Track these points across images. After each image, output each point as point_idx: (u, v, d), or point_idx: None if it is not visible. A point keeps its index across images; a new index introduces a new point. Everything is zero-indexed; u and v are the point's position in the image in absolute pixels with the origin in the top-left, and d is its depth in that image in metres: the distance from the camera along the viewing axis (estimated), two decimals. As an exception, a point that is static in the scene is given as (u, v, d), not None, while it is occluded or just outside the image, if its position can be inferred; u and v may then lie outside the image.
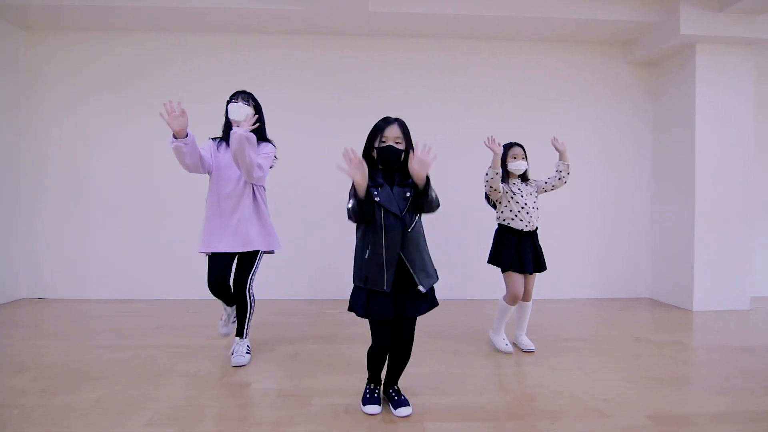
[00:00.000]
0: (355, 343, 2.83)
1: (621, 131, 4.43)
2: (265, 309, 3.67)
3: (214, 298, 2.52)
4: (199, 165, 2.33)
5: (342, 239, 3.96)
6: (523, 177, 2.73)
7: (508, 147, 2.68)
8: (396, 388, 1.97)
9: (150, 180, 4.11)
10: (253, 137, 2.23)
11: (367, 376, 1.97)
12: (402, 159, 1.83)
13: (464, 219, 4.10)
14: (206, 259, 2.46)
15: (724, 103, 3.91)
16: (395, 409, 1.88)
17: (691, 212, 3.90)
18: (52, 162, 4.13)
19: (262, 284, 3.71)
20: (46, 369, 2.35)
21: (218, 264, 2.41)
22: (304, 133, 4.16)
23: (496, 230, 2.74)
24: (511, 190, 2.63)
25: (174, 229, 4.08)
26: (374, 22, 3.96)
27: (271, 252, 2.58)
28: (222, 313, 2.69)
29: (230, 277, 2.48)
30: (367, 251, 1.78)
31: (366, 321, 1.83)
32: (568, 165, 2.68)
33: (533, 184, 2.73)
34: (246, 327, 2.51)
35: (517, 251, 2.60)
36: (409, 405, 1.90)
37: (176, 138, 2.18)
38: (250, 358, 2.51)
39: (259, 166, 2.35)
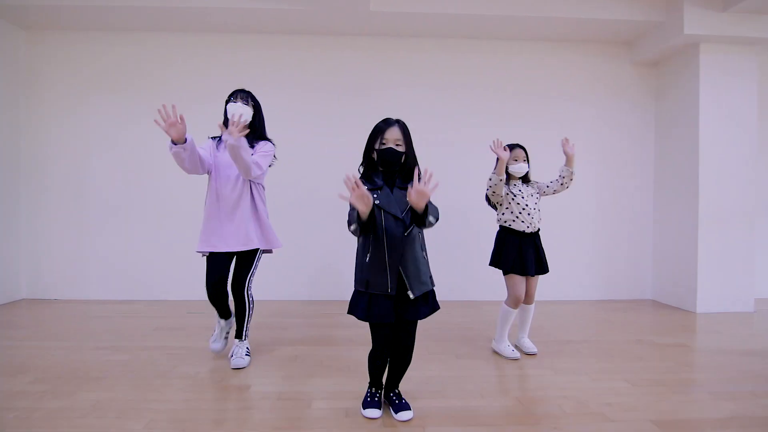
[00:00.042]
0: (356, 345, 2.81)
1: (623, 131, 4.40)
2: (264, 310, 3.66)
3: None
4: (198, 167, 2.31)
5: (342, 240, 3.94)
6: (525, 178, 2.71)
7: (509, 148, 2.65)
8: (397, 391, 1.95)
9: (150, 180, 4.10)
10: (243, 141, 2.18)
11: (368, 379, 1.95)
12: (403, 161, 1.81)
13: (465, 219, 4.07)
14: (205, 259, 2.45)
15: (727, 103, 3.88)
16: (396, 413, 1.86)
17: (695, 213, 3.88)
18: (52, 162, 4.12)
19: (261, 285, 3.69)
20: (44, 371, 2.34)
21: (217, 264, 2.39)
22: (304, 133, 4.14)
23: (498, 232, 2.71)
24: (512, 192, 2.61)
25: (174, 230, 4.07)
26: (375, 22, 3.94)
27: (270, 251, 2.56)
28: (215, 326, 2.60)
29: (228, 279, 2.46)
30: (368, 254, 1.76)
31: (366, 323, 1.81)
32: (572, 172, 2.64)
33: (534, 186, 2.70)
34: (245, 328, 2.50)
35: (518, 253, 2.58)
36: (410, 409, 1.88)
37: (175, 144, 2.15)
38: (250, 360, 2.50)
39: (258, 165, 2.33)
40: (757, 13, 3.66)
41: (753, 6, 3.54)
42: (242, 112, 2.31)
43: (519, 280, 2.59)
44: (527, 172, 2.67)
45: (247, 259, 2.44)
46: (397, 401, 1.91)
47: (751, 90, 3.92)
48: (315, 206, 4.12)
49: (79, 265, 4.12)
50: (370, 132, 1.84)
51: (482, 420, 1.87)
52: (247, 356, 2.48)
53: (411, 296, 1.75)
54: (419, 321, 1.84)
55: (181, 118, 2.10)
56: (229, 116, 2.37)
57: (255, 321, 3.24)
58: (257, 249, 2.45)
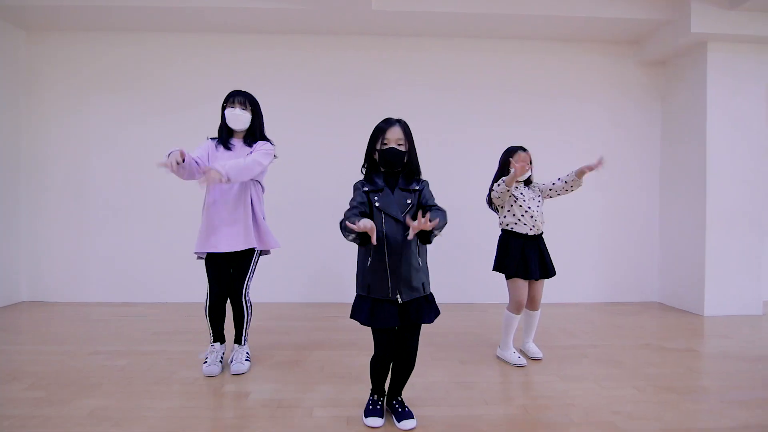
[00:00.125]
0: (358, 349, 2.76)
1: (628, 132, 4.33)
2: (265, 313, 3.62)
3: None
4: (194, 174, 2.28)
5: (343, 241, 3.89)
6: (526, 181, 2.65)
7: (513, 151, 2.59)
8: (400, 399, 1.90)
9: (151, 180, 4.06)
10: (229, 170, 2.12)
11: (370, 386, 1.90)
12: (405, 161, 1.76)
13: (466, 220, 4.01)
14: (204, 266, 2.40)
15: (735, 103, 3.82)
16: (399, 421, 1.81)
17: (702, 215, 3.81)
18: (52, 162, 4.09)
19: (262, 287, 3.67)
20: (41, 376, 2.30)
21: (217, 274, 2.36)
22: (304, 133, 4.11)
23: (500, 236, 2.65)
24: (514, 195, 2.55)
25: (175, 230, 4.03)
26: (377, 21, 3.89)
27: (267, 253, 2.52)
28: (207, 350, 2.48)
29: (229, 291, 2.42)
30: (369, 258, 1.72)
31: (368, 327, 1.76)
32: (580, 185, 2.54)
33: (536, 189, 2.65)
34: (244, 334, 2.46)
35: (522, 256, 2.52)
36: (413, 417, 1.83)
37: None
38: (250, 366, 2.45)
39: (258, 162, 2.28)
40: (766, 11, 3.59)
41: (761, 4, 3.48)
42: (244, 120, 2.29)
43: (521, 285, 2.53)
44: (530, 175, 2.62)
45: (245, 263, 2.39)
46: (399, 409, 1.86)
47: (760, 89, 3.85)
48: (315, 206, 4.08)
49: (79, 267, 4.09)
50: (371, 132, 1.80)
51: (487, 429, 1.82)
52: (247, 361, 2.44)
53: (399, 301, 1.70)
54: (423, 325, 1.80)
55: (182, 154, 2.08)
56: (228, 124, 2.34)
57: (255, 324, 3.20)
58: (254, 251, 2.41)
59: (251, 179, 2.37)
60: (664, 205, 4.30)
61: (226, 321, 2.50)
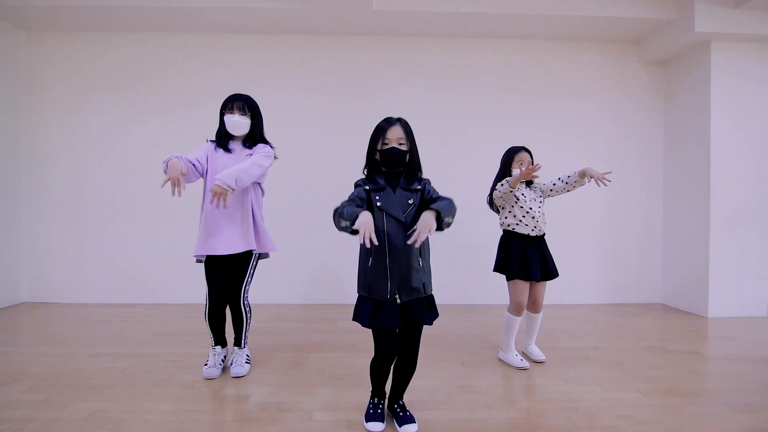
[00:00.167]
0: (358, 351, 2.74)
1: (631, 132, 4.30)
2: (265, 314, 3.61)
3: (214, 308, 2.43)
4: (191, 178, 2.26)
5: (343, 241, 3.88)
6: (527, 181, 2.63)
7: (515, 151, 2.57)
8: (401, 403, 1.88)
9: (151, 180, 4.04)
10: (232, 179, 2.11)
11: (370, 389, 1.88)
12: (406, 160, 1.74)
13: (466, 220, 3.93)
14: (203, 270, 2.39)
15: (739, 103, 3.78)
16: (400, 426, 1.79)
17: (706, 215, 3.78)
18: (52, 162, 4.08)
19: (262, 288, 3.66)
20: (41, 379, 2.29)
21: (216, 277, 2.34)
22: (305, 133, 4.09)
23: (501, 237, 2.63)
24: (515, 195, 2.53)
25: (176, 231, 4.01)
26: (377, 21, 3.87)
27: (266, 256, 2.50)
28: (209, 354, 2.44)
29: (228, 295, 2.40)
30: (370, 259, 1.70)
31: (369, 329, 1.74)
32: (583, 185, 2.52)
33: (537, 190, 2.62)
34: (244, 337, 2.44)
35: (523, 258, 2.50)
36: (414, 422, 1.81)
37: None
38: (250, 368, 2.44)
39: (258, 165, 2.26)
40: (771, 10, 3.56)
41: (766, 3, 3.45)
42: (244, 126, 2.28)
43: (522, 286, 2.51)
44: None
45: (243, 266, 2.37)
46: (401, 413, 1.84)
47: (764, 89, 3.81)
48: (315, 207, 4.05)
49: (79, 268, 4.08)
50: (371, 132, 1.78)
51: (490, 434, 1.80)
52: (247, 364, 2.42)
53: (398, 301, 1.68)
54: (424, 327, 1.78)
55: (183, 173, 2.06)
56: (228, 130, 2.32)
57: (255, 325, 3.19)
58: (252, 254, 2.39)
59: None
60: (667, 205, 4.28)
61: (226, 324, 2.48)
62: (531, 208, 2.51)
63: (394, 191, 1.72)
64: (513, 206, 2.52)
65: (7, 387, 2.19)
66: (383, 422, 1.82)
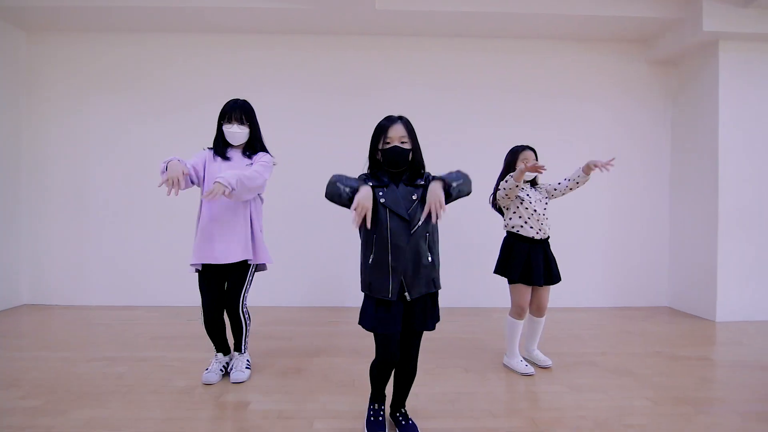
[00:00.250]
0: (361, 356, 2.69)
1: (637, 133, 4.24)
2: (266, 317, 3.57)
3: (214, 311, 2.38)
4: (188, 184, 2.22)
5: (346, 243, 3.85)
6: (532, 182, 2.58)
7: (519, 150, 2.52)
8: (403, 411, 1.84)
9: (152, 181, 3.96)
10: (232, 180, 2.06)
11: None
12: (409, 159, 1.69)
13: (467, 220, 3.93)
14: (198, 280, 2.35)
15: (748, 103, 3.72)
16: (403, 435, 1.75)
17: (714, 217, 3.72)
18: (52, 163, 4.06)
19: (262, 290, 3.62)
20: (38, 384, 2.25)
21: (210, 286, 2.30)
22: (306, 134, 4.05)
23: (505, 238, 2.57)
24: (520, 196, 2.47)
25: (177, 232, 3.96)
26: (378, 21, 3.83)
27: (264, 268, 2.45)
28: (212, 360, 2.41)
29: (223, 303, 2.36)
30: (371, 256, 1.65)
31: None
32: (588, 180, 2.49)
33: (542, 191, 2.57)
34: (244, 342, 2.40)
35: (527, 261, 2.44)
36: (417, 431, 1.76)
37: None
38: (250, 374, 2.39)
39: (259, 173, 2.22)
40: (781, 8, 3.50)
41: (776, 1, 3.39)
42: (243, 136, 2.22)
43: (524, 290, 2.46)
44: (536, 176, 2.54)
45: (240, 275, 2.33)
46: (403, 422, 1.80)
47: (774, 89, 3.75)
48: (316, 207, 3.97)
49: (80, 269, 4.06)
50: (372, 132, 1.73)
51: (495, 444, 1.75)
52: (248, 369, 2.38)
53: (408, 298, 1.64)
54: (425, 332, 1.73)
55: (184, 174, 2.04)
56: (227, 139, 2.28)
57: (255, 329, 3.15)
58: (249, 265, 2.34)
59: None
60: (674, 206, 4.21)
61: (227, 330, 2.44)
62: (536, 210, 2.46)
63: (398, 188, 1.68)
64: (518, 207, 2.47)
65: (5, 392, 2.15)
66: (386, 430, 1.77)
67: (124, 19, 3.80)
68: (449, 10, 3.64)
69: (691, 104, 4.01)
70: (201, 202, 2.32)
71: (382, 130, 1.68)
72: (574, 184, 2.49)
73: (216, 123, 2.36)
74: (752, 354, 2.88)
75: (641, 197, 4.25)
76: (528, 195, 2.48)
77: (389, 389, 1.84)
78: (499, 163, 2.63)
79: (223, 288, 2.34)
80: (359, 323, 1.70)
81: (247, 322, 2.39)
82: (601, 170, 2.36)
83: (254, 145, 2.34)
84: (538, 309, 2.54)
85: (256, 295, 3.41)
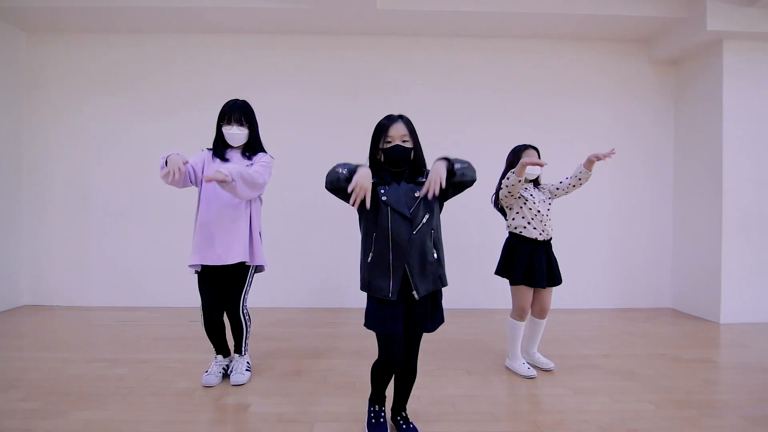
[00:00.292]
0: (362, 358, 2.68)
1: (640, 133, 4.21)
2: (266, 318, 3.56)
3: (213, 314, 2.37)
4: (187, 183, 2.21)
5: (347, 243, 3.83)
6: (535, 182, 2.55)
7: (521, 149, 2.49)
8: (404, 414, 1.82)
9: (152, 181, 3.97)
10: (232, 169, 2.05)
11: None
12: (411, 158, 1.67)
13: (468, 220, 3.91)
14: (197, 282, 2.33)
15: (753, 103, 3.69)
16: (404, 439, 1.73)
17: (718, 218, 3.69)
18: (52, 163, 4.05)
19: (262, 291, 3.60)
20: (37, 386, 2.24)
21: (210, 287, 2.29)
22: (307, 134, 4.04)
23: (507, 239, 2.55)
24: (523, 196, 2.45)
25: (177, 232, 3.95)
26: (379, 21, 3.81)
27: (262, 269, 2.43)
28: (212, 362, 2.39)
29: (223, 305, 2.35)
30: (371, 254, 1.63)
31: (374, 334, 1.67)
32: (590, 175, 2.48)
33: (545, 191, 2.55)
34: (244, 344, 2.39)
35: (530, 263, 2.42)
36: (419, 435, 1.75)
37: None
38: (251, 376, 2.38)
39: (260, 174, 2.21)
40: (786, 7, 3.47)
41: (781, 0, 3.35)
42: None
43: (526, 292, 2.44)
44: (538, 176, 2.52)
45: (240, 277, 2.31)
46: (404, 426, 1.78)
47: (778, 89, 3.72)
48: (316, 208, 4.00)
49: (81, 270, 4.05)
50: (372, 132, 1.71)
51: (497, 448, 1.73)
52: (248, 371, 2.37)
53: (416, 297, 1.61)
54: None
55: (184, 164, 2.03)
56: (226, 140, 2.27)
57: (256, 331, 3.14)
58: (250, 266, 2.33)
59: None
60: (677, 207, 4.18)
61: (226, 331, 2.43)
62: (539, 211, 2.43)
63: (399, 185, 1.66)
64: (521, 207, 2.44)
65: (4, 394, 2.14)
66: (387, 433, 1.75)
67: (124, 19, 3.80)
68: (451, 9, 3.63)
69: (694, 104, 3.98)
70: (198, 202, 2.30)
71: (382, 129, 1.66)
72: (576, 181, 2.47)
73: (214, 124, 2.35)
74: (756, 356, 2.85)
75: (644, 197, 4.22)
76: (531, 195, 2.46)
77: (389, 392, 1.82)
78: (499, 164, 2.61)
79: (222, 289, 2.33)
80: (364, 324, 1.68)
81: (248, 323, 2.38)
82: (603, 160, 2.37)
83: (254, 147, 2.33)
84: (541, 311, 2.51)
85: (256, 296, 3.39)
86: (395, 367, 1.70)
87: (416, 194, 1.63)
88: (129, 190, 4.04)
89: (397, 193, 1.62)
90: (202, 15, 3.72)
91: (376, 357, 1.72)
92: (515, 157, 2.49)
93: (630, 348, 2.99)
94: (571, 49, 4.16)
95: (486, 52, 4.14)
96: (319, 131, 4.07)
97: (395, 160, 1.64)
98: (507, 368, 2.56)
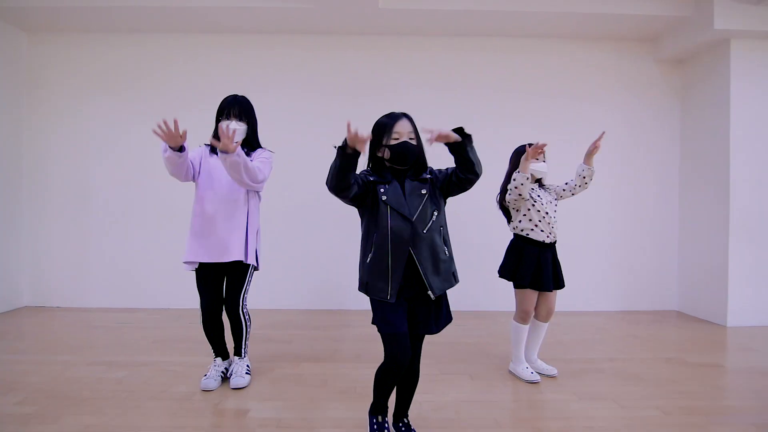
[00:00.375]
0: (363, 362, 2.64)
1: (645, 134, 4.16)
2: (265, 320, 3.52)
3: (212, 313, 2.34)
4: (189, 174, 2.19)
5: (346, 244, 3.79)
6: (539, 183, 2.51)
7: (523, 150, 2.44)
8: (406, 421, 1.78)
9: (154, 182, 3.97)
10: (242, 153, 2.04)
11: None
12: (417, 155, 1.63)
13: (468, 221, 3.85)
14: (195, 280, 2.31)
15: (761, 103, 3.63)
16: (406, 447, 1.69)
17: (725, 220, 3.63)
18: (53, 164, 4.04)
19: (262, 292, 3.57)
20: (35, 389, 2.22)
21: (208, 285, 2.26)
22: (308, 134, 4.01)
23: (512, 241, 2.49)
24: (531, 197, 2.40)
25: (178, 233, 3.87)
26: (380, 20, 3.78)
27: (257, 268, 2.39)
28: (210, 366, 2.35)
29: (222, 304, 2.32)
30: (370, 255, 1.59)
31: (377, 336, 1.63)
32: (593, 171, 2.45)
33: (551, 192, 2.50)
34: (244, 346, 2.35)
35: (537, 266, 2.37)
36: (421, 442, 1.71)
37: (171, 148, 2.02)
38: (251, 379, 2.35)
39: (260, 170, 2.18)
40: (794, 5, 3.41)
41: (790, -2, 3.30)
42: (235, 128, 2.09)
43: (533, 295, 2.39)
44: (542, 177, 2.48)
45: (240, 275, 2.28)
46: (406, 432, 1.74)
47: (787, 88, 3.66)
48: (316, 208, 3.96)
49: (81, 271, 4.03)
50: (371, 131, 1.64)
51: (501, 456, 1.69)
52: (248, 374, 2.33)
53: (432, 297, 1.57)
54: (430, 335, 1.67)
55: (183, 134, 1.99)
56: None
57: (255, 332, 3.11)
58: (249, 265, 2.29)
59: (252, 189, 2.26)
60: (683, 208, 4.13)
61: (225, 333, 2.40)
62: (547, 213, 2.39)
63: (404, 184, 1.61)
64: (529, 209, 2.39)
65: (1, 398, 2.12)
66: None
67: (124, 19, 3.78)
68: (452, 8, 3.58)
69: (701, 105, 3.93)
70: (195, 197, 2.27)
71: (386, 125, 1.60)
72: (580, 180, 2.44)
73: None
74: (765, 360, 2.80)
75: (649, 199, 4.16)
76: (539, 196, 2.41)
77: (391, 400, 1.78)
78: (500, 164, 2.57)
79: (221, 287, 2.30)
80: (372, 322, 1.64)
81: (248, 323, 2.34)
82: (598, 146, 2.37)
83: (252, 143, 2.30)
84: (547, 314, 2.46)
85: (256, 297, 3.36)
86: (402, 370, 1.62)
87: (423, 191, 1.59)
88: (129, 190, 4.02)
89: (397, 193, 1.58)
90: (202, 15, 3.70)
91: (377, 360, 1.67)
92: (518, 157, 2.44)
93: (635, 351, 2.94)
94: (574, 49, 4.11)
95: (487, 52, 4.10)
96: (319, 131, 4.02)
97: (403, 156, 1.59)
98: (510, 372, 2.51)
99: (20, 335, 3.22)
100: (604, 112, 4.12)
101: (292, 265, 3.99)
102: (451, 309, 1.72)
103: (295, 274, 4.01)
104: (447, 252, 1.64)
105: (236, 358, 2.38)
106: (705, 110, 3.88)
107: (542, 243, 2.39)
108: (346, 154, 1.45)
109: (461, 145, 1.53)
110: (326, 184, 1.53)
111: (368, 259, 1.60)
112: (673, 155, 4.18)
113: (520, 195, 2.32)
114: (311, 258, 4.04)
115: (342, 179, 1.49)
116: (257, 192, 2.35)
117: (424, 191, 1.59)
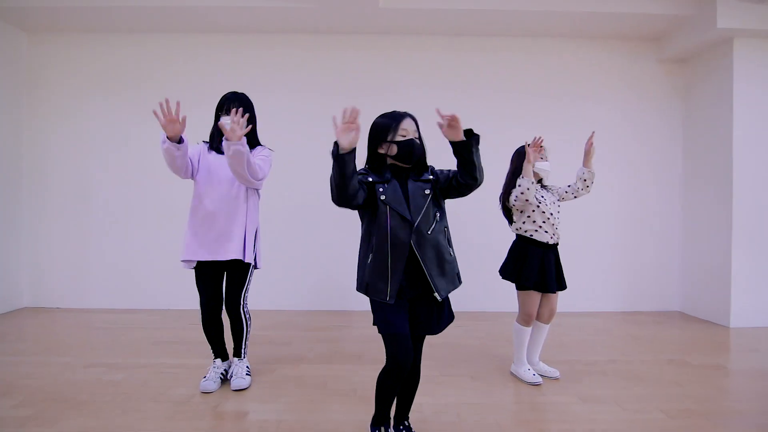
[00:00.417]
0: (363, 363, 2.63)
1: (647, 134, 4.14)
2: (266, 321, 3.51)
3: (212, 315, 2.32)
4: (188, 169, 2.18)
5: (346, 244, 3.77)
6: (541, 183, 2.49)
7: (524, 151, 2.43)
8: (407, 424, 1.76)
9: (154, 182, 3.96)
10: (246, 145, 2.04)
11: (374, 409, 1.73)
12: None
13: (469, 221, 3.83)
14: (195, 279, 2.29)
15: (765, 103, 3.60)
16: (406, 450, 1.67)
17: (728, 220, 3.61)
18: (53, 164, 4.03)
19: (262, 293, 3.55)
20: (33, 392, 2.20)
21: (208, 283, 2.25)
22: (308, 134, 3.98)
23: (515, 242, 2.47)
24: (537, 198, 2.38)
25: (178, 233, 3.82)
26: (380, 20, 3.76)
27: (257, 267, 2.38)
28: (210, 368, 2.33)
29: (222, 303, 2.31)
30: (370, 256, 1.57)
31: (378, 338, 1.60)
32: (593, 173, 2.43)
33: (554, 192, 2.48)
34: (244, 346, 2.34)
35: (541, 268, 2.35)
36: (421, 445, 1.69)
37: (169, 140, 2.01)
38: (251, 381, 2.33)
39: (260, 167, 2.17)
40: (798, 4, 3.38)
41: (793, -3, 3.28)
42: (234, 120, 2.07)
43: (536, 297, 2.37)
44: (542, 177, 2.46)
45: (240, 274, 2.27)
46: (407, 436, 1.72)
47: (790, 87, 3.63)
48: (316, 209, 3.93)
49: (81, 272, 4.02)
50: (370, 130, 1.62)
51: (502, 460, 1.67)
52: (248, 376, 2.32)
53: (438, 298, 1.56)
54: (431, 336, 1.66)
55: (183, 120, 1.98)
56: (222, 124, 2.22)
57: (255, 333, 3.09)
58: (249, 263, 2.28)
59: (251, 187, 2.25)
60: (686, 208, 4.10)
61: (225, 333, 2.38)
62: (551, 214, 2.37)
63: (405, 184, 1.58)
64: (533, 211, 2.36)
65: (-1, 400, 2.11)
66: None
67: (124, 19, 3.77)
68: (453, 7, 3.57)
69: (704, 104, 3.90)
70: (194, 194, 2.26)
71: (389, 125, 1.58)
72: (581, 183, 2.43)
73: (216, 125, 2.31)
74: (768, 362, 2.78)
75: (651, 199, 4.14)
76: (543, 197, 2.39)
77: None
78: (501, 164, 2.56)
79: (221, 285, 2.29)
80: (373, 323, 1.61)
81: (248, 323, 2.33)
82: (592, 144, 2.42)
83: (251, 140, 2.28)
84: (549, 315, 2.45)
85: (255, 297, 3.35)
86: (405, 372, 1.57)
87: (426, 191, 1.58)
88: (129, 190, 4.01)
89: (396, 193, 1.56)
90: (202, 15, 3.68)
91: (378, 362, 1.65)
92: (520, 158, 2.43)
93: (638, 353, 2.92)
94: (576, 48, 4.09)
95: (487, 52, 4.08)
96: (319, 131, 3.99)
97: (410, 153, 1.56)
98: (512, 374, 2.50)
99: (20, 337, 3.21)
100: (606, 111, 4.10)
101: (292, 265, 3.97)
102: (452, 309, 1.70)
103: (295, 274, 4.00)
104: (452, 253, 1.63)
105: (236, 359, 2.36)
106: (708, 110, 3.86)
107: (546, 244, 2.37)
108: (341, 156, 1.41)
109: (466, 145, 1.51)
110: (333, 201, 1.48)
111: (369, 260, 1.58)
112: (676, 155, 4.16)
113: (526, 200, 2.30)
114: (311, 258, 4.02)
115: (346, 187, 1.44)
116: (257, 190, 2.33)
117: (427, 191, 1.58)
